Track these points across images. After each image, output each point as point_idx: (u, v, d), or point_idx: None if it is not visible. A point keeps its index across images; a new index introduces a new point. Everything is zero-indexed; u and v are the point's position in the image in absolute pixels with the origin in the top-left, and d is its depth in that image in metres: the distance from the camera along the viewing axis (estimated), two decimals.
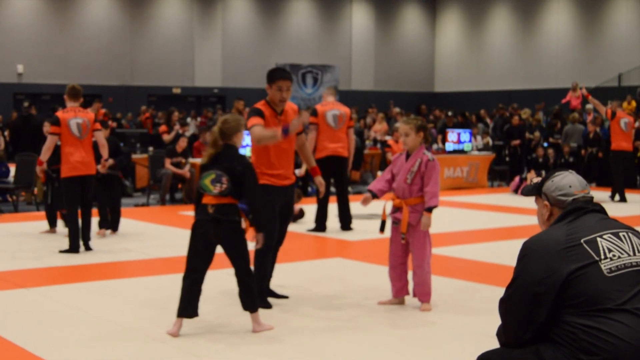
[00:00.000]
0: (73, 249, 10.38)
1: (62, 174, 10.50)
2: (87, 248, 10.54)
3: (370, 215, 13.41)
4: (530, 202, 16.74)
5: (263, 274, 7.51)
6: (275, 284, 8.09)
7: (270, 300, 7.65)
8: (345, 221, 12.34)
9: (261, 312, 6.86)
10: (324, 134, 12.18)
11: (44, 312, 7.26)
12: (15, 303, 7.61)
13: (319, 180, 7.98)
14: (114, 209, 11.77)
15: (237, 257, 6.53)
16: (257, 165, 7.36)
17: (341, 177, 12.40)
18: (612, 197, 17.10)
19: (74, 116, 10.47)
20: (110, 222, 11.73)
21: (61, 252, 10.39)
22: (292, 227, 12.53)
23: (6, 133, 20.10)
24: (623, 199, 16.82)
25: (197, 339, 6.38)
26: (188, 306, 6.47)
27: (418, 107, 24.09)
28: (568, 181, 3.87)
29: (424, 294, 7.37)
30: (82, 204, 10.58)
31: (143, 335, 6.48)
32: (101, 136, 10.89)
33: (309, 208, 13.40)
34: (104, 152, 10.88)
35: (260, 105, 7.57)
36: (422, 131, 7.31)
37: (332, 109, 12.30)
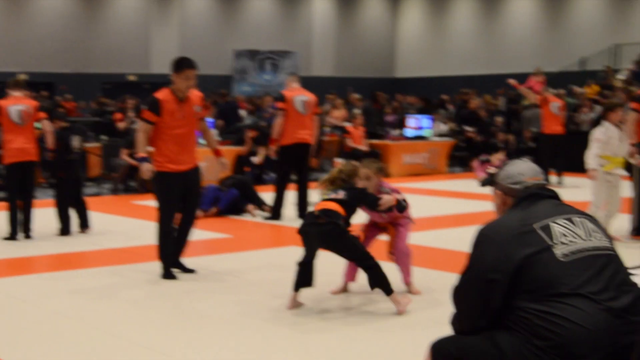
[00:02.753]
0: (12, 236, 10.51)
1: (3, 161, 10.57)
2: (27, 236, 10.62)
3: None
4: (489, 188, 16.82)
5: (166, 253, 8.20)
6: (225, 270, 8.01)
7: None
8: (303, 209, 12.29)
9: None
10: (291, 120, 12.03)
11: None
12: None
13: (221, 160, 8.53)
14: (80, 207, 11.22)
15: (347, 252, 6.87)
16: (156, 153, 8.10)
17: (304, 165, 12.34)
18: (559, 181, 17.44)
19: (14, 103, 10.47)
20: (80, 221, 11.18)
21: (4, 239, 10.50)
22: (248, 216, 12.52)
23: None
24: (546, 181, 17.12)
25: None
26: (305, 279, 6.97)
27: (374, 92, 24.03)
28: (519, 169, 3.90)
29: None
30: (23, 191, 10.59)
31: (91, 328, 6.41)
32: (47, 124, 10.85)
33: (266, 196, 13.34)
34: (49, 139, 10.79)
35: (162, 93, 8.09)
36: (381, 173, 7.38)
37: (300, 94, 12.18)
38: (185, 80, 8.04)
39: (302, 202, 12.35)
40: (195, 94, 8.30)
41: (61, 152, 10.88)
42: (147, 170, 8.05)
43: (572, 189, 16.46)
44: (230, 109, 22.39)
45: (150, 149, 8.23)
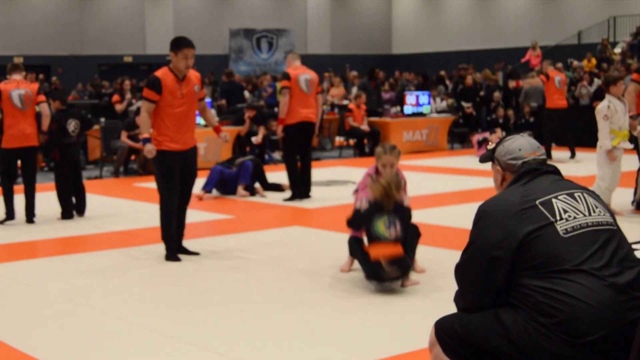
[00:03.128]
0: (9, 216, 10.61)
1: (2, 145, 10.54)
2: (30, 220, 10.66)
3: (329, 182, 13.43)
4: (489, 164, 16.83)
5: (169, 234, 8.27)
6: (229, 250, 8.06)
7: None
8: (306, 189, 12.30)
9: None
10: (296, 99, 11.97)
11: (1, 293, 7.22)
12: None
13: (222, 135, 8.66)
14: (79, 191, 11.19)
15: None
16: (156, 132, 8.19)
17: (308, 144, 12.33)
18: (572, 155, 17.39)
19: (15, 87, 10.47)
20: (76, 205, 11.17)
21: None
22: (258, 198, 12.53)
23: None
24: (548, 156, 17.16)
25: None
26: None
27: (372, 70, 23.91)
28: (518, 144, 3.87)
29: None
30: (25, 176, 10.66)
31: (99, 313, 6.46)
32: (45, 107, 10.89)
33: (270, 176, 13.38)
34: (45, 123, 10.83)
35: (161, 72, 8.20)
36: (399, 157, 7.53)
37: (303, 73, 12.11)
38: (183, 59, 8.10)
39: (306, 181, 12.36)
40: (194, 74, 8.38)
41: (57, 134, 10.89)
42: (150, 150, 8.10)
43: (575, 164, 16.49)
44: (234, 89, 22.26)
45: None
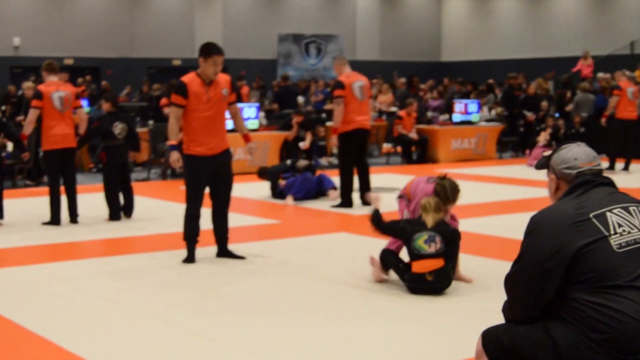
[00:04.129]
0: (54, 221, 10.67)
1: (43, 147, 10.73)
2: (74, 221, 10.78)
3: (376, 189, 13.36)
4: (540, 173, 16.69)
5: (190, 237, 8.36)
6: (265, 254, 8.07)
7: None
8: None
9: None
10: (350, 106, 11.91)
11: (45, 292, 7.27)
12: (14, 281, 7.65)
13: (249, 146, 8.56)
14: (127, 193, 11.28)
15: None
16: (184, 137, 8.25)
17: (364, 151, 12.32)
18: (626, 167, 17.18)
19: (56, 89, 10.60)
20: (125, 207, 11.26)
21: (43, 224, 10.68)
22: (314, 204, 12.52)
23: (5, 108, 20.01)
24: (612, 167, 16.97)
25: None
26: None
27: (410, 77, 23.86)
28: (574, 154, 3.80)
29: None
30: (65, 177, 10.75)
31: (146, 315, 6.49)
32: (82, 112, 11.07)
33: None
34: (82, 127, 10.99)
35: (189, 77, 8.24)
36: None
37: (357, 80, 12.05)
38: (212, 65, 8.13)
39: (364, 187, 12.28)
40: (224, 78, 8.37)
41: (101, 135, 11.04)
42: (175, 160, 8.18)
43: (628, 176, 16.30)
44: (288, 93, 22.29)
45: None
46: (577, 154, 3.80)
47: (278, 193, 13.00)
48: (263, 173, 13.50)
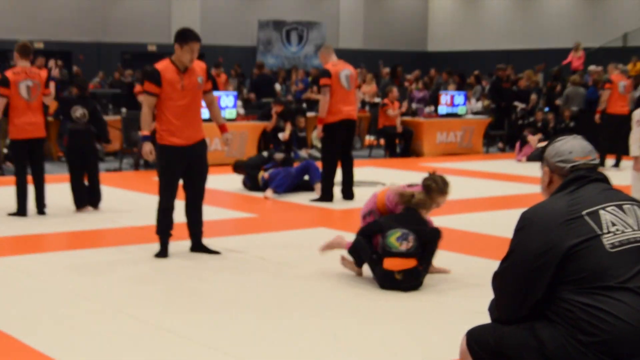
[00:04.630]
0: (20, 212, 10.62)
1: (10, 136, 10.70)
2: (41, 212, 10.73)
3: (358, 182, 13.35)
4: (529, 169, 16.75)
5: (162, 230, 8.32)
6: (239, 249, 8.04)
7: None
8: (348, 189, 12.28)
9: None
10: (337, 96, 11.88)
11: (10, 287, 7.22)
12: None
13: (226, 136, 8.53)
14: (93, 182, 11.19)
15: None
16: (158, 126, 8.19)
17: (349, 143, 12.30)
18: (617, 163, 17.20)
19: (24, 78, 10.54)
20: (91, 197, 11.16)
21: (9, 215, 10.62)
22: (293, 197, 12.49)
23: None
24: (602, 164, 17.00)
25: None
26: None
27: (394, 67, 23.82)
28: (569, 147, 3.76)
29: None
30: (33, 167, 10.70)
31: (116, 312, 6.45)
32: (48, 100, 11.03)
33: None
34: (50, 109, 10.94)
35: (162, 64, 8.17)
36: None
37: (343, 69, 12.01)
38: (189, 52, 8.07)
39: (348, 181, 12.28)
40: (199, 65, 8.32)
41: (64, 121, 11.00)
42: (147, 152, 8.14)
43: (619, 172, 16.35)
44: (265, 82, 22.24)
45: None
46: (573, 147, 3.76)
47: (263, 185, 12.93)
48: (239, 167, 13.37)
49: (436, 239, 7.22)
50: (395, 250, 6.99)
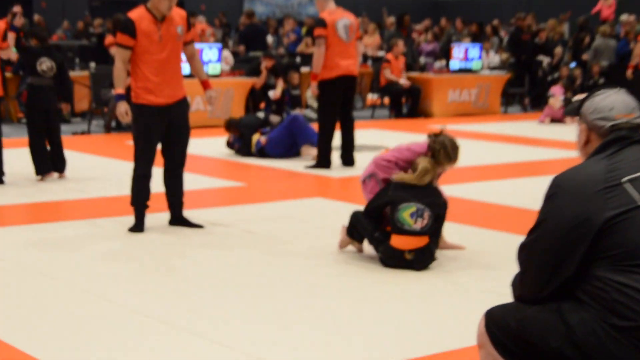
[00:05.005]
0: None
1: None
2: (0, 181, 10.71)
3: (359, 147, 13.33)
4: (554, 132, 16.73)
5: (138, 201, 8.31)
6: (224, 222, 8.02)
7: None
8: (349, 154, 12.28)
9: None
10: (334, 49, 11.84)
11: None
12: None
13: (209, 94, 8.50)
14: (55, 146, 11.13)
15: None
16: (133, 83, 8.12)
17: (349, 102, 12.26)
18: None
19: None
20: (54, 162, 11.11)
21: None
22: (285, 163, 12.47)
23: None
24: None
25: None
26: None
27: (400, 16, 23.71)
28: (610, 102, 3.66)
29: None
30: None
31: (86, 293, 6.43)
32: (6, 56, 11.08)
33: None
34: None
35: (136, 12, 8.10)
36: None
37: (342, 17, 11.94)
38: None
39: (348, 145, 12.28)
40: (178, 13, 8.26)
41: (25, 75, 10.89)
42: (123, 112, 8.07)
43: None
44: (255, 33, 22.08)
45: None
46: (614, 103, 3.66)
47: (257, 151, 12.90)
48: (232, 126, 13.28)
49: (445, 210, 7.20)
50: (408, 227, 6.93)
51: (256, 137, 12.98)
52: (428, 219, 6.95)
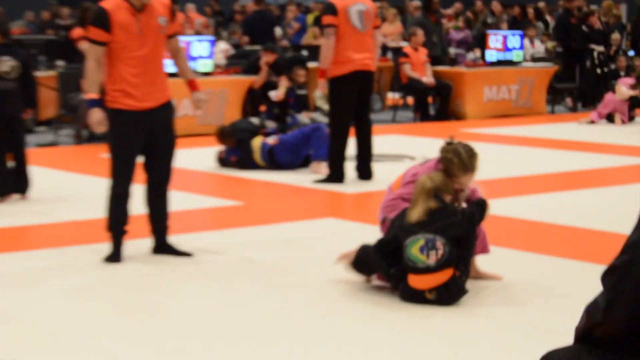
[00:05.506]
0: None
1: None
2: None
3: (379, 156, 13.32)
4: (613, 135, 16.68)
5: (116, 226, 8.28)
6: (216, 249, 8.00)
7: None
8: (365, 164, 12.24)
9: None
10: (346, 40, 11.83)
11: None
12: None
13: (197, 96, 8.54)
14: (18, 161, 11.07)
15: None
16: (108, 85, 8.14)
17: (366, 102, 12.26)
18: None
19: None
20: (16, 182, 11.06)
21: None
22: (290, 177, 12.46)
23: None
24: None
25: None
26: None
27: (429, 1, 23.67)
28: None
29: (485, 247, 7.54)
30: None
31: (53, 335, 6.42)
32: None
33: None
34: None
35: (111, 2, 8.09)
36: None
37: (355, 3, 11.91)
38: None
39: (365, 154, 12.25)
40: (160, 1, 8.29)
41: None
42: (97, 121, 8.07)
43: None
44: (264, 22, 22.05)
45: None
46: None
47: (265, 153, 12.86)
48: (226, 134, 13.22)
49: (474, 223, 7.06)
50: (421, 265, 6.84)
51: (259, 140, 12.96)
52: (443, 249, 6.82)
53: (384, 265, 7.07)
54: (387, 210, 7.39)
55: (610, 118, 18.25)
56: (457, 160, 7.05)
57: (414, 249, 6.83)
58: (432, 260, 6.79)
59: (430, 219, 6.88)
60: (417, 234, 6.84)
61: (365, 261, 7.20)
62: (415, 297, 6.90)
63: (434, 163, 7.19)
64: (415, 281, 6.86)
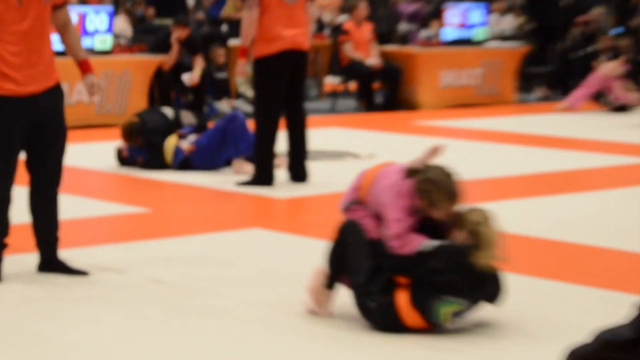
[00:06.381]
0: None
1: None
2: None
3: (315, 153, 13.27)
4: (593, 129, 16.79)
5: None
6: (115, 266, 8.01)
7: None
8: (299, 163, 12.27)
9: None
10: (273, 13, 11.86)
11: None
12: None
13: (90, 80, 8.43)
14: None
15: None
16: None
17: (299, 88, 12.31)
18: None
19: None
20: None
21: None
22: (207, 179, 12.41)
23: None
24: None
25: None
26: None
27: None
28: None
29: None
30: None
31: None
32: None
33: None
34: None
35: None
36: None
37: None
38: None
39: (298, 151, 12.31)
40: None
41: None
42: None
43: None
44: None
45: None
46: None
47: (178, 163, 12.77)
48: (135, 132, 13.10)
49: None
50: (439, 323, 6.81)
51: (173, 143, 12.87)
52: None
53: (363, 278, 6.93)
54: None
55: (599, 98, 18.47)
56: (435, 190, 6.95)
57: (446, 310, 6.75)
58: (450, 325, 6.83)
59: (470, 279, 6.82)
60: (457, 297, 6.78)
61: (342, 253, 7.05)
62: (397, 327, 6.80)
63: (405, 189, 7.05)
64: (414, 321, 6.79)
